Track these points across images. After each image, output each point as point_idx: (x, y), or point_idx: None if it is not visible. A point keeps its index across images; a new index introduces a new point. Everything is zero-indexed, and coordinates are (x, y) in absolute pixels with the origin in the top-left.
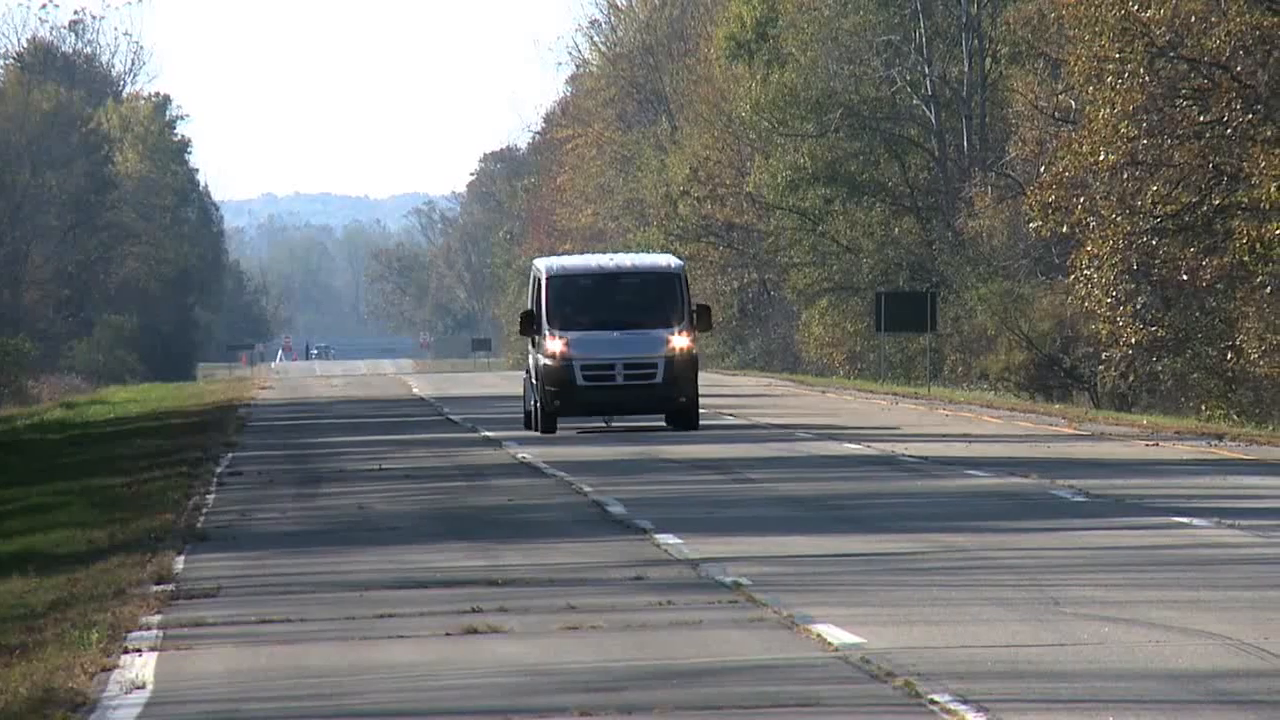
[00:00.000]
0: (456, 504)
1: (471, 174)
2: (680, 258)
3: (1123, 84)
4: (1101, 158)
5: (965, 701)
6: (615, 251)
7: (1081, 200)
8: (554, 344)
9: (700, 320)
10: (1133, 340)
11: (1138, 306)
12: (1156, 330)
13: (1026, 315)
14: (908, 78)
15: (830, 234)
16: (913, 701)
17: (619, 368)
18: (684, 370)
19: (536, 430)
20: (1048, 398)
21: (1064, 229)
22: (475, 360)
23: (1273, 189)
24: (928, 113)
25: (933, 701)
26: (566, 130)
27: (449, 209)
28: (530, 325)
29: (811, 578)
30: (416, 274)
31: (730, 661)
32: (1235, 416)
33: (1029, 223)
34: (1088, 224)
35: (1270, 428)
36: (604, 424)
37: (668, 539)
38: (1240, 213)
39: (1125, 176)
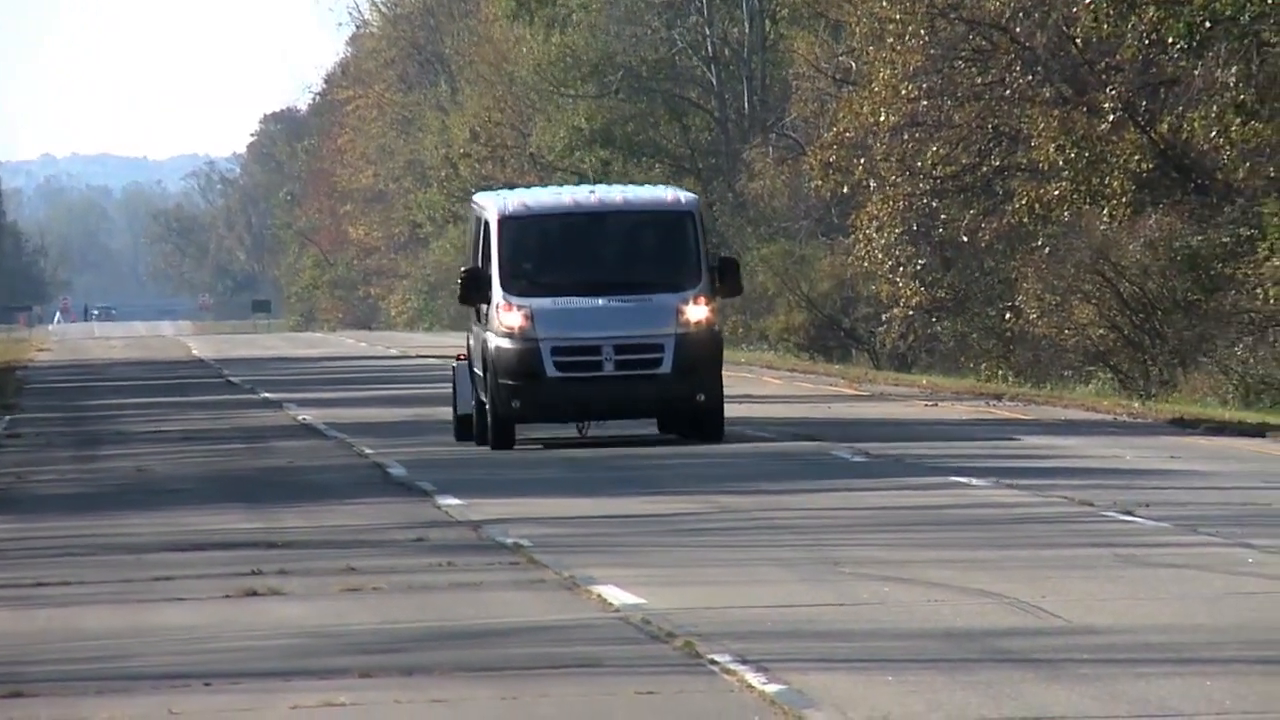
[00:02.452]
0: (236, 466)
1: (252, 135)
2: (693, 192)
3: (903, 45)
4: (882, 119)
5: (745, 662)
6: (606, 184)
7: (862, 161)
8: (511, 317)
9: (726, 280)
10: (913, 301)
11: (917, 267)
12: (936, 291)
13: (807, 276)
14: (688, 39)
15: None
16: (693, 662)
17: (607, 351)
18: (702, 354)
19: (482, 444)
20: (828, 358)
21: (845, 190)
22: (255, 322)
23: (1051, 150)
24: (708, 74)
25: (713, 662)
26: (347, 91)
27: (229, 170)
28: (473, 289)
29: (592, 539)
30: (196, 235)
31: (511, 623)
32: (1013, 376)
33: (810, 184)
34: (868, 185)
35: (1048, 387)
36: (578, 431)
37: (449, 501)
38: (1019, 174)
39: (905, 137)
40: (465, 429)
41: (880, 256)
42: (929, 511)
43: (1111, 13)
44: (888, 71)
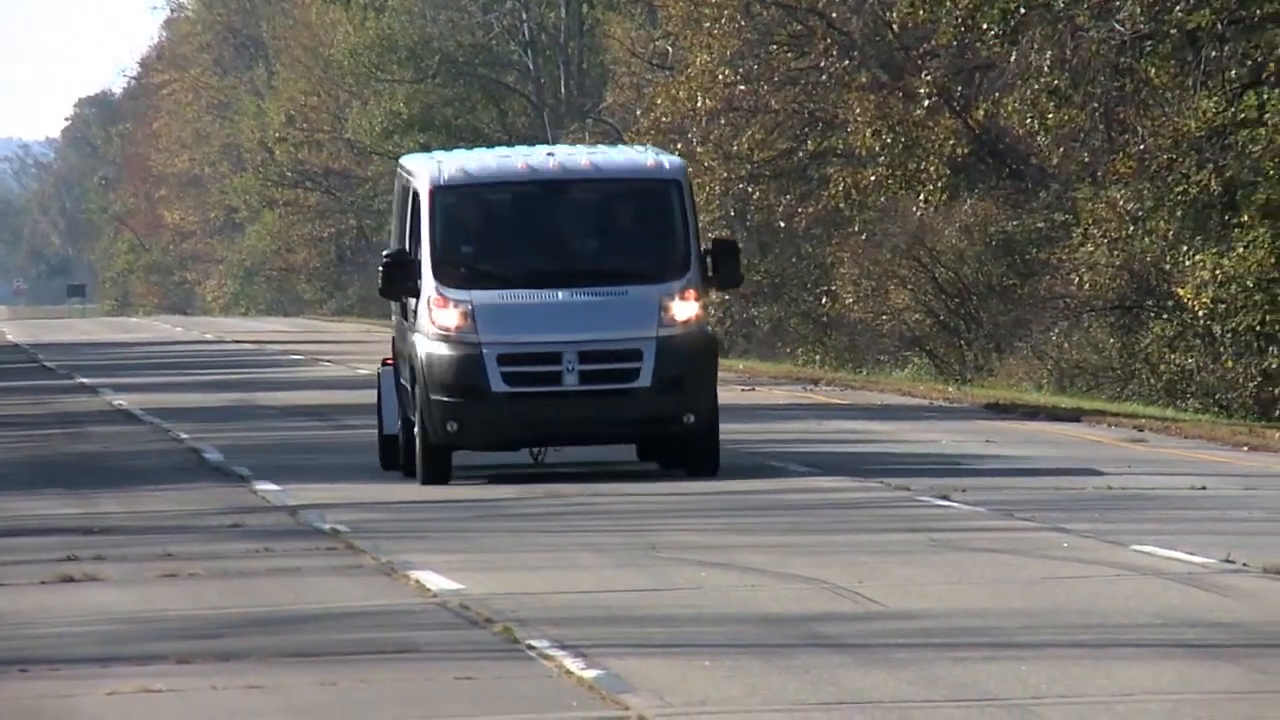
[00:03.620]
0: (52, 451)
1: (66, 119)
2: (676, 155)
3: (720, 30)
4: (699, 103)
5: (563, 647)
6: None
7: (679, 146)
8: (446, 315)
9: (721, 268)
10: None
11: None
12: (753, 276)
13: None
14: (505, 23)
15: None
16: (511, 647)
17: (570, 359)
18: (691, 363)
19: (411, 475)
20: None
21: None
22: (70, 306)
23: (867, 135)
24: (525, 59)
25: (530, 647)
26: (163, 75)
27: (43, 155)
28: (398, 278)
29: (410, 524)
30: (10, 220)
31: (329, 608)
32: (830, 361)
33: None
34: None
35: (864, 372)
36: (531, 458)
37: (266, 486)
38: (835, 159)
39: (722, 122)
40: (393, 454)
41: None
42: (746, 496)
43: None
44: (704, 56)
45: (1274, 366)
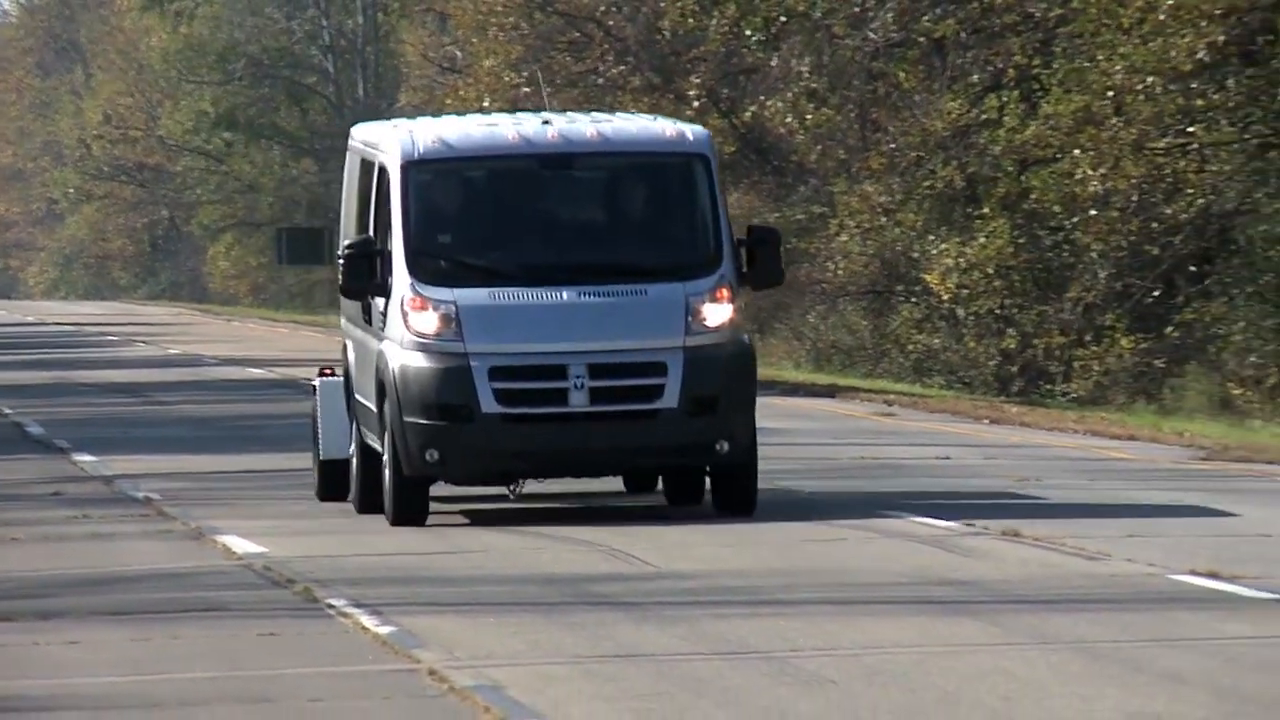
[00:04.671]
0: None
1: None
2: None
3: (505, 36)
4: (486, 104)
5: (359, 605)
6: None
7: None
8: (424, 318)
9: (760, 261)
10: None
11: None
12: None
13: None
14: (307, 29)
15: (234, 174)
16: (311, 606)
17: (577, 373)
18: (727, 379)
19: (370, 510)
20: None
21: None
22: None
23: None
24: (325, 62)
25: (329, 606)
26: None
27: None
28: (361, 274)
29: (218, 492)
30: None
31: (142, 570)
32: None
33: None
34: None
35: None
36: (509, 492)
37: (84, 457)
38: None
39: None
40: (334, 484)
41: None
42: None
43: (696, 8)
44: (491, 60)
45: (1012, 346)
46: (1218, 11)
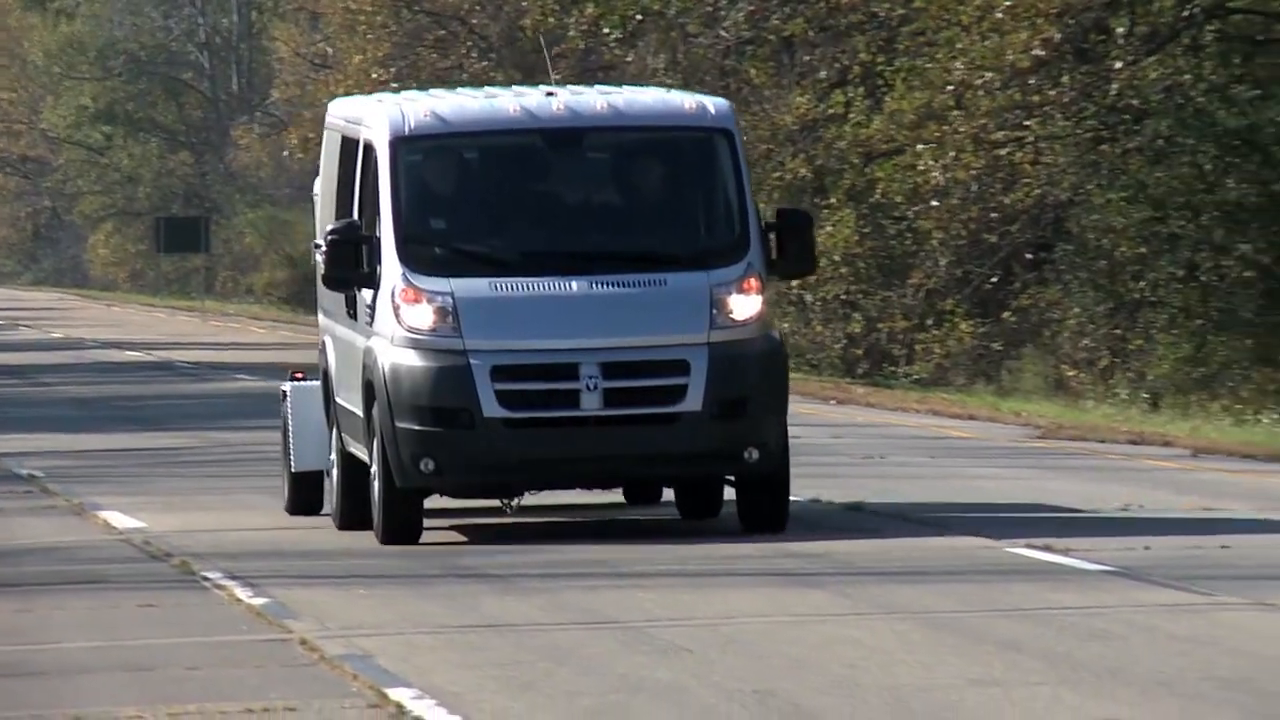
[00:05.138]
0: None
1: None
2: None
3: (373, 34)
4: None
5: (234, 578)
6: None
7: None
8: (417, 312)
9: (790, 248)
10: None
11: None
12: None
13: (289, 237)
14: (184, 27)
15: (113, 166)
16: (188, 578)
17: (590, 373)
18: (756, 378)
19: (353, 526)
20: (308, 310)
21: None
22: None
23: None
24: (201, 58)
25: (205, 578)
26: None
27: None
28: (346, 263)
29: (99, 470)
30: None
31: (26, 544)
32: None
33: (291, 156)
34: None
35: None
36: (504, 507)
37: None
38: None
39: None
40: (306, 496)
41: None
42: None
43: (556, 7)
44: (360, 57)
45: (857, 330)
46: (1053, 11)
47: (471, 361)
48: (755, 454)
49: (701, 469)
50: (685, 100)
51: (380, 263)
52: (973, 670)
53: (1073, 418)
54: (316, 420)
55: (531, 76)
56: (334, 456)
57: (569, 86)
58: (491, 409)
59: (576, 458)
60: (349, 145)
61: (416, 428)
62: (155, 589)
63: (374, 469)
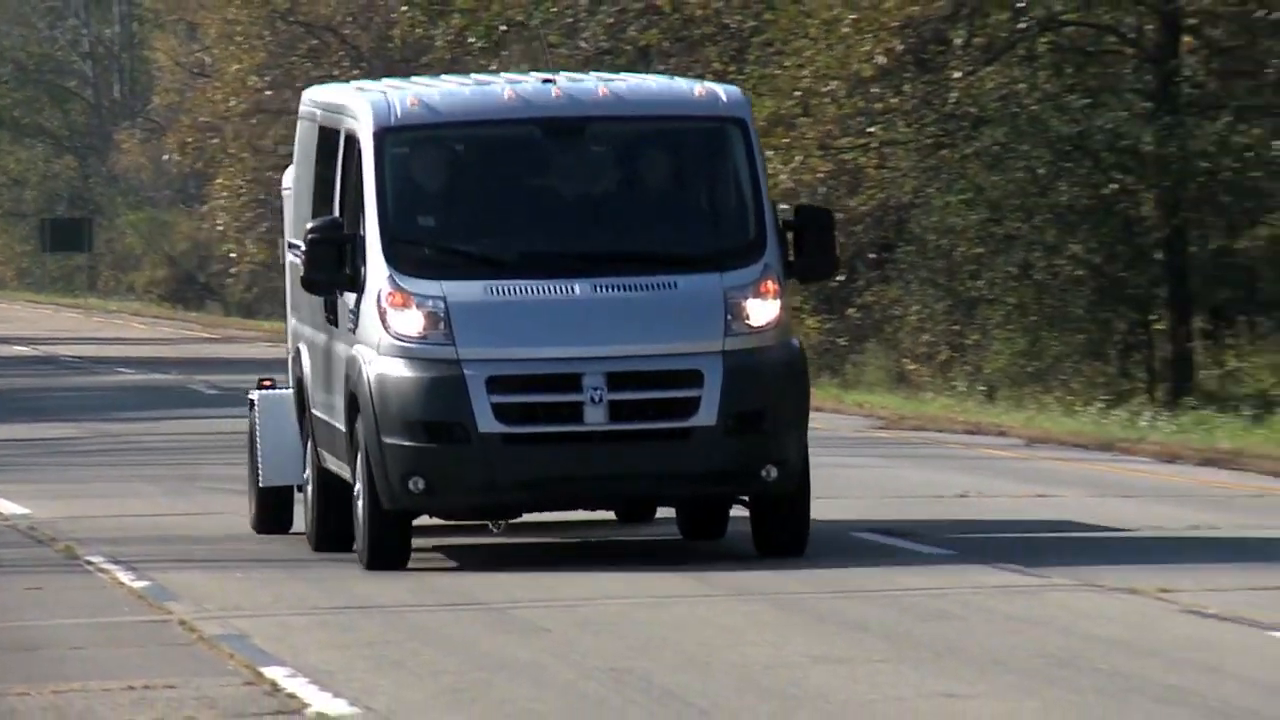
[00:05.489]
0: None
1: None
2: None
3: (249, 44)
4: (231, 105)
5: (116, 562)
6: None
7: (215, 140)
8: (405, 318)
9: (810, 249)
10: (257, 258)
11: (261, 231)
12: (277, 250)
13: (168, 237)
14: (68, 37)
15: (0, 169)
16: (72, 562)
17: (594, 384)
18: (775, 390)
19: (332, 549)
20: (186, 307)
21: (200, 165)
22: None
23: None
24: (85, 67)
25: (89, 562)
26: None
27: None
28: (330, 262)
29: None
30: None
31: None
32: None
33: (171, 160)
34: (221, 160)
35: None
36: (491, 527)
37: None
38: None
39: (254, 121)
40: (275, 513)
41: (230, 220)
42: None
43: (424, 18)
44: (237, 66)
45: None
46: (895, 23)
47: (465, 372)
48: (774, 472)
49: (715, 489)
50: (694, 87)
51: (365, 264)
52: (818, 648)
53: (913, 409)
54: (287, 432)
55: None
56: (309, 473)
57: (565, 74)
58: (487, 424)
59: (580, 477)
60: (328, 136)
61: (406, 444)
62: (41, 573)
63: (358, 488)
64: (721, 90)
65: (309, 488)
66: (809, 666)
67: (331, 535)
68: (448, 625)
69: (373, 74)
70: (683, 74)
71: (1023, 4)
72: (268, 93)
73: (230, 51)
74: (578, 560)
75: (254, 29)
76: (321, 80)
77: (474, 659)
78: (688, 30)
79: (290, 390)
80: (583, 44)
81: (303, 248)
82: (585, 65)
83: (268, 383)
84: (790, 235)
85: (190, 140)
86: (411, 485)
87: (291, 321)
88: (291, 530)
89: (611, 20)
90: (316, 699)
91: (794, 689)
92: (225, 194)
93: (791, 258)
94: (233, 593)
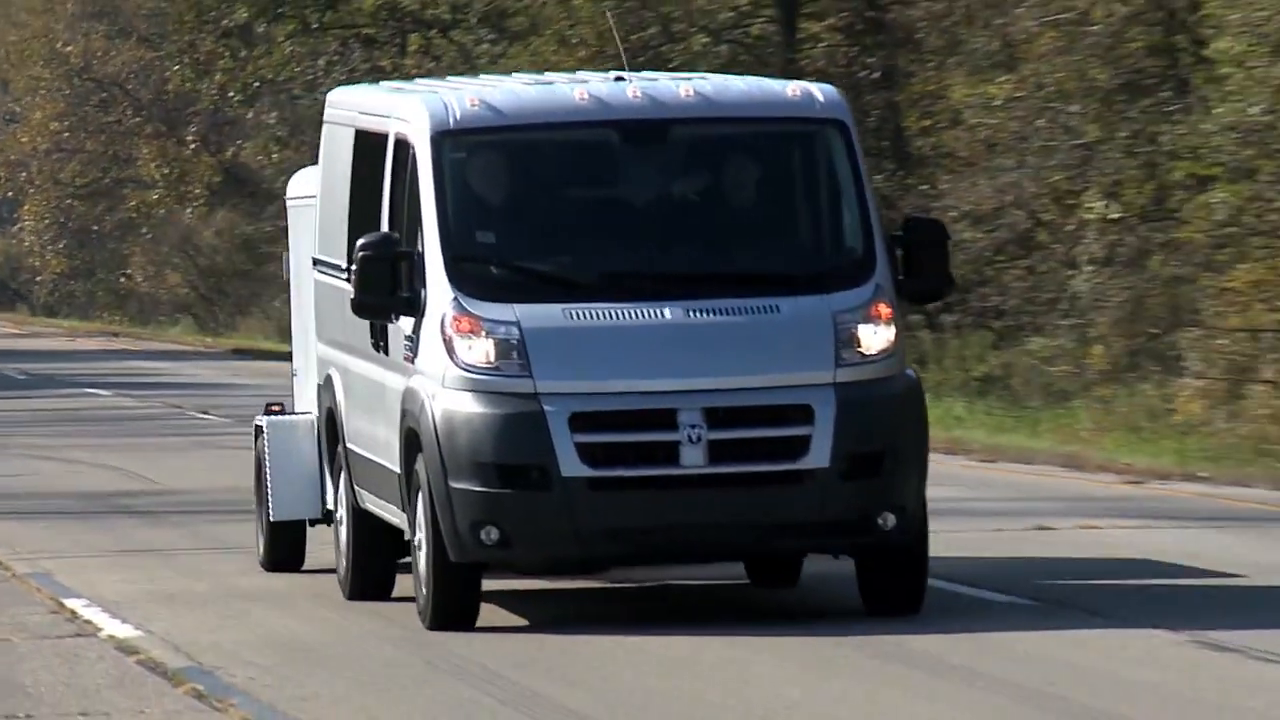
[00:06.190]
0: None
1: None
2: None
3: (50, 95)
4: (37, 145)
5: None
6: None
7: (24, 175)
8: (474, 345)
9: (922, 266)
10: (57, 269)
11: (60, 247)
12: (74, 262)
13: None
14: None
15: None
16: None
17: (690, 422)
18: (895, 427)
19: (378, 597)
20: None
21: (10, 194)
22: None
23: (152, 167)
24: None
25: None
26: None
27: None
28: (384, 284)
29: None
30: None
31: None
32: (128, 321)
33: None
34: (28, 191)
35: (150, 328)
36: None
37: None
38: (131, 184)
39: (54, 158)
40: (288, 551)
41: (35, 239)
42: (70, 412)
43: (193, 75)
44: (40, 113)
45: None
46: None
47: (545, 407)
48: (891, 520)
49: (827, 541)
50: (788, 87)
51: (424, 285)
52: None
53: None
54: (301, 462)
55: (174, 128)
56: (341, 513)
57: (657, 73)
58: (571, 466)
59: (675, 526)
60: (368, 141)
61: (477, 489)
62: None
63: (419, 537)
64: (817, 89)
65: (341, 529)
66: None
67: (368, 583)
68: (212, 564)
69: (152, 120)
70: None
71: None
72: (65, 135)
73: (35, 102)
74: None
75: (54, 84)
76: (110, 125)
77: (233, 590)
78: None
79: (300, 417)
80: (318, 96)
81: (353, 267)
82: (323, 113)
83: (276, 408)
84: (904, 248)
85: (3, 174)
86: (484, 536)
87: (320, 346)
88: (303, 568)
89: (344, 78)
90: (108, 624)
91: None
92: (31, 218)
93: (901, 276)
94: (38, 538)
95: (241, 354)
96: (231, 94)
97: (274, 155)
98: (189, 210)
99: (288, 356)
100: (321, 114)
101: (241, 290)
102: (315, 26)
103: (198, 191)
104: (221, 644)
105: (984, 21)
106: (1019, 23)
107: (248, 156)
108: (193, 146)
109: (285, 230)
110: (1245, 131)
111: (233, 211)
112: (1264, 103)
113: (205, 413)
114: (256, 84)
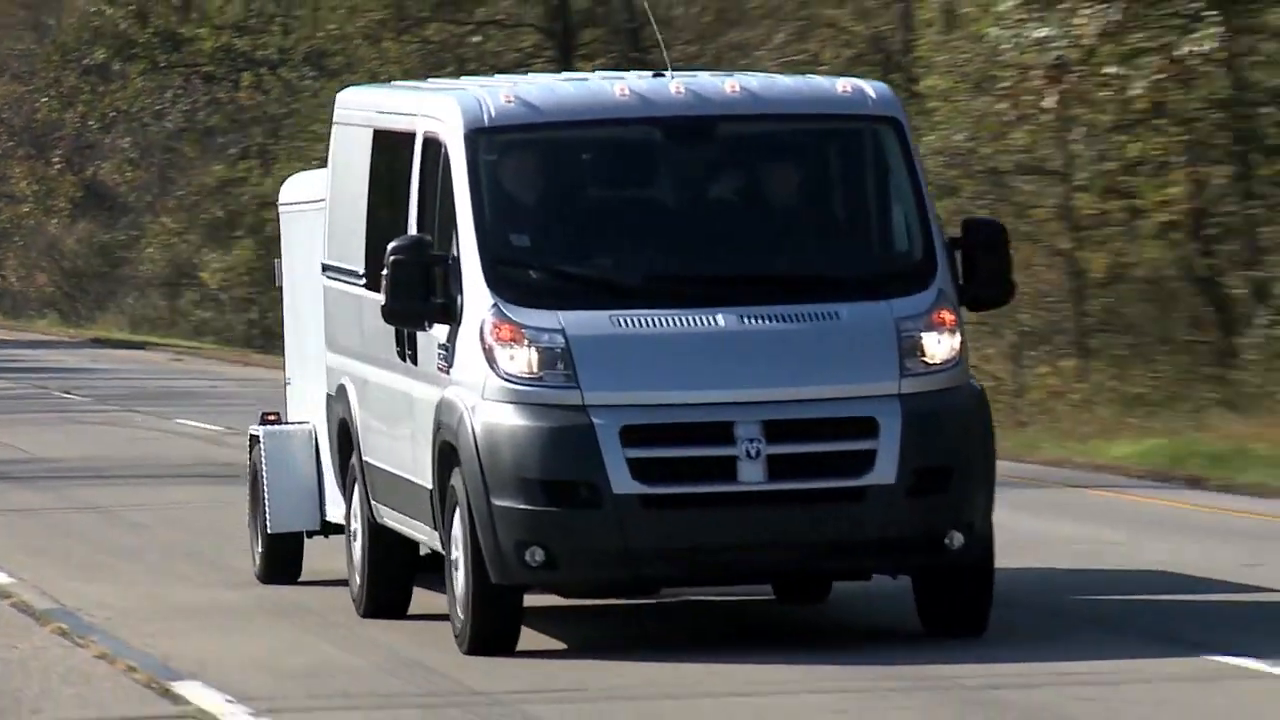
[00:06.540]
0: None
1: None
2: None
3: None
4: None
5: None
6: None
7: None
8: (517, 354)
9: (983, 270)
10: None
11: None
12: None
13: None
14: None
15: None
16: None
17: (748, 435)
18: (960, 441)
19: (394, 615)
20: None
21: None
22: None
23: (24, 185)
24: None
25: None
26: None
27: None
28: (417, 288)
29: None
30: None
31: None
32: (2, 315)
33: None
34: None
35: (21, 320)
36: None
37: None
38: (4, 199)
39: None
40: (285, 563)
41: None
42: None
43: (59, 105)
44: None
45: (256, 316)
46: None
47: (595, 420)
48: (959, 539)
49: (893, 560)
50: (837, 83)
51: (461, 291)
52: None
53: None
54: (299, 473)
55: (42, 151)
56: (356, 526)
57: (700, 72)
58: (623, 483)
59: (733, 546)
60: (390, 141)
61: (522, 507)
62: None
63: (456, 556)
64: (869, 86)
65: (355, 544)
66: None
67: (385, 601)
68: (80, 522)
69: (22, 144)
70: (235, 145)
71: None
72: None
73: None
74: (166, 478)
75: None
76: None
77: (98, 542)
78: (240, 115)
79: (297, 427)
80: (167, 124)
81: (384, 272)
82: (168, 138)
83: (272, 417)
84: (964, 251)
85: None
86: (528, 557)
87: (330, 355)
88: (300, 580)
89: (187, 108)
90: None
91: None
92: None
93: (961, 281)
94: None
95: (99, 343)
96: (91, 122)
97: (127, 174)
98: (54, 221)
99: (139, 345)
100: (168, 140)
101: (99, 289)
102: (163, 65)
103: (62, 205)
104: (84, 591)
105: (729, 63)
106: (759, 64)
107: (105, 175)
108: (58, 167)
109: (278, 238)
110: (950, 155)
111: (92, 222)
112: (966, 131)
113: (68, 393)
114: (113, 114)
